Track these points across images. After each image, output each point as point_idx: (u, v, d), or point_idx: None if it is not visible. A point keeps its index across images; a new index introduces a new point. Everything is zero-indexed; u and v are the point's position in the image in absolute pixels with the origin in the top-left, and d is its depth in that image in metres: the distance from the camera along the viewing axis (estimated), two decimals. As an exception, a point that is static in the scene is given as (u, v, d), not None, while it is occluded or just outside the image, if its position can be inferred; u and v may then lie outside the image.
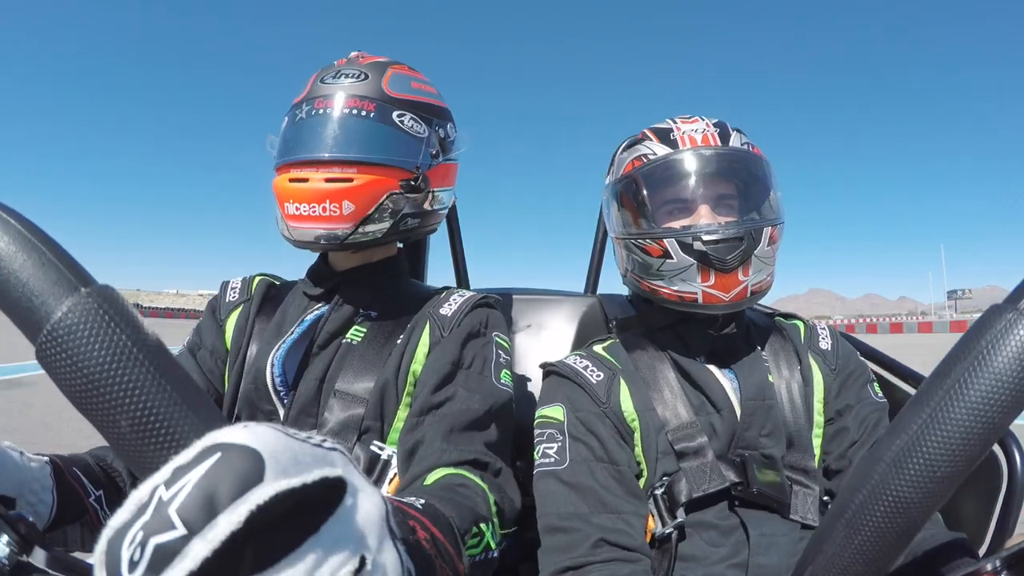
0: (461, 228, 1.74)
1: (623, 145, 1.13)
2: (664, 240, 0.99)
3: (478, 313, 1.03)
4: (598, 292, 1.70)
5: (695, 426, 0.95)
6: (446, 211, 1.16)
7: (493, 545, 0.74)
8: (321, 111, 0.99)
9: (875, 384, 1.07)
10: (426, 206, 1.06)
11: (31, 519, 0.53)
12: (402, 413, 0.95)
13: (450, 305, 1.02)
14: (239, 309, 1.09)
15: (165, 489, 0.27)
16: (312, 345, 0.99)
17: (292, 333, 1.01)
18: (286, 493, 0.28)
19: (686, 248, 0.97)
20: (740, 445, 0.95)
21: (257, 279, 1.15)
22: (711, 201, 1.01)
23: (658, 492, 0.93)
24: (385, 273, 1.08)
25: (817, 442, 1.00)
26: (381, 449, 0.92)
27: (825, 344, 1.09)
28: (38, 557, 0.52)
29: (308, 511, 0.29)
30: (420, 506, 0.58)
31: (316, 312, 1.03)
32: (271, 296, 1.11)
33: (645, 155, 1.05)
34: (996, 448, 0.98)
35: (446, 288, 1.10)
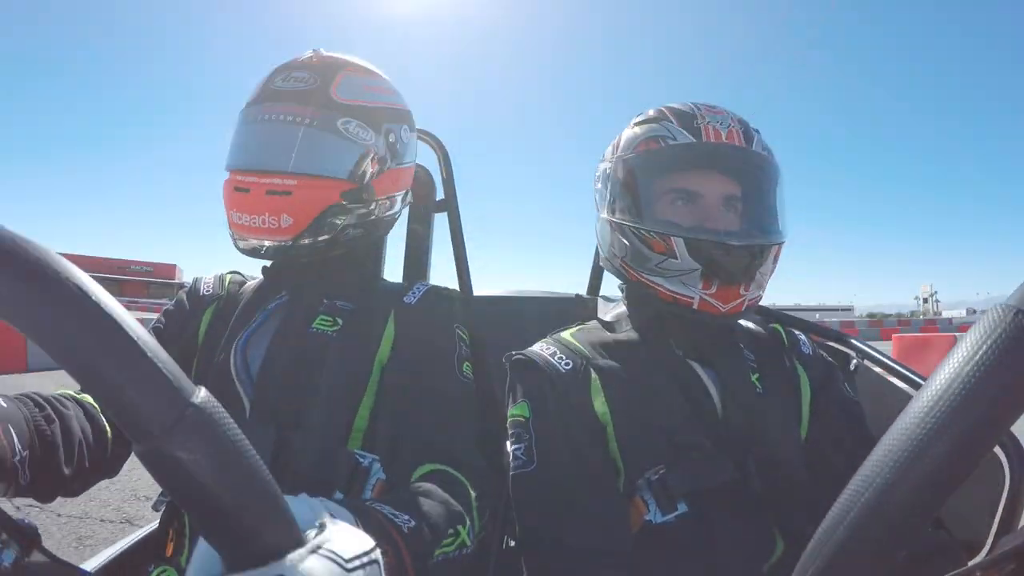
0: (463, 229, 1.73)
1: (636, 120, 1.05)
2: (672, 238, 0.93)
3: (439, 305, 1.03)
4: (600, 293, 1.69)
5: (685, 417, 0.92)
6: (398, 215, 1.13)
7: (468, 542, 0.76)
8: (267, 116, 0.97)
9: (842, 381, 1.07)
10: (373, 215, 1.04)
11: (34, 525, 0.54)
12: (363, 411, 0.94)
13: (412, 295, 1.03)
14: (213, 305, 1.09)
15: None
16: (276, 334, 0.98)
17: (254, 321, 1.00)
18: None
19: (693, 251, 0.92)
20: (720, 443, 0.91)
21: (229, 276, 1.15)
22: (723, 202, 0.95)
23: (653, 478, 0.89)
24: (347, 266, 1.08)
25: (802, 439, 0.99)
26: (363, 457, 0.91)
27: (806, 348, 1.08)
28: (37, 562, 0.52)
29: None
30: (406, 531, 0.62)
31: (275, 302, 1.03)
32: (241, 292, 1.11)
33: (663, 137, 0.97)
34: (997, 449, 0.98)
35: (412, 282, 1.10)
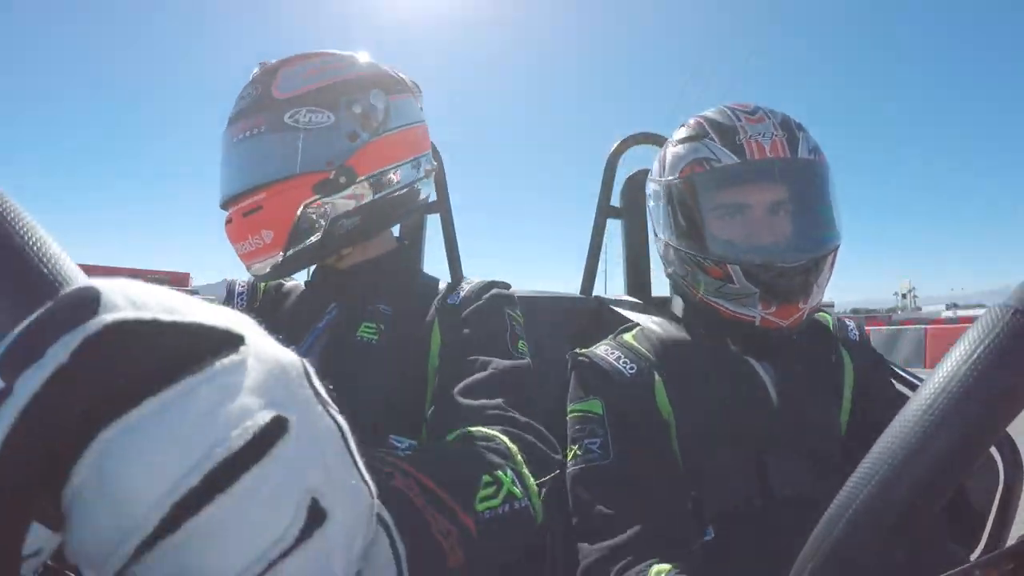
0: (455, 227, 1.71)
1: (678, 136, 1.05)
2: (728, 264, 0.95)
3: (488, 294, 0.98)
4: (594, 294, 1.69)
5: (724, 428, 0.93)
6: (420, 184, 1.04)
7: (519, 493, 0.65)
8: (226, 145, 0.96)
9: (887, 373, 1.08)
10: (368, 198, 0.95)
11: None
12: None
13: (458, 293, 0.98)
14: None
15: None
16: (327, 349, 0.94)
17: (305, 340, 0.96)
18: (130, 325, 0.22)
19: (750, 276, 0.94)
20: (776, 435, 0.93)
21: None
22: (771, 210, 0.96)
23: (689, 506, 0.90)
24: (389, 267, 1.04)
25: (843, 428, 0.99)
26: (400, 442, 0.86)
27: (853, 335, 1.09)
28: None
29: (189, 361, 0.24)
30: (402, 453, 0.52)
31: (326, 316, 0.98)
32: (278, 300, 1.07)
33: (707, 159, 0.98)
34: (992, 449, 0.99)
35: (455, 280, 1.05)
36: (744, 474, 0.90)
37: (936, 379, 0.42)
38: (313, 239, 0.92)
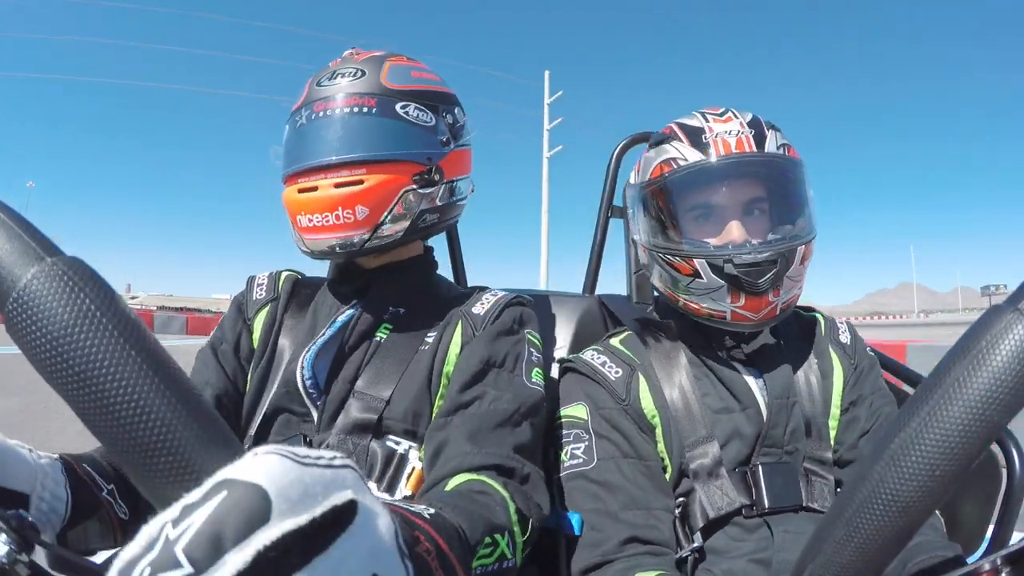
0: (458, 226, 1.73)
1: (651, 141, 1.07)
2: (694, 260, 0.96)
3: (511, 311, 0.99)
4: (596, 292, 1.69)
5: (710, 439, 0.93)
6: (465, 201, 1.11)
7: (509, 554, 0.71)
8: (321, 113, 0.96)
9: (881, 377, 1.07)
10: (443, 199, 1.02)
11: (30, 518, 0.52)
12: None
13: (483, 304, 0.99)
14: (267, 308, 1.06)
15: (172, 527, 0.28)
16: (343, 346, 0.96)
17: (323, 335, 0.97)
18: (294, 532, 0.29)
19: (716, 270, 0.94)
20: (767, 444, 0.93)
21: (284, 275, 1.12)
22: (743, 213, 0.97)
23: (676, 512, 0.91)
24: (415, 271, 1.07)
25: (832, 433, 0.99)
26: (397, 444, 0.90)
27: (844, 338, 1.09)
28: (39, 557, 0.51)
29: (319, 534, 0.30)
30: (428, 516, 0.56)
31: (347, 312, 1.00)
32: (299, 294, 1.08)
33: (674, 159, 0.99)
34: (995, 448, 0.99)
35: (478, 288, 1.07)
36: (734, 481, 0.91)
37: (935, 378, 0.42)
38: (401, 224, 0.97)
